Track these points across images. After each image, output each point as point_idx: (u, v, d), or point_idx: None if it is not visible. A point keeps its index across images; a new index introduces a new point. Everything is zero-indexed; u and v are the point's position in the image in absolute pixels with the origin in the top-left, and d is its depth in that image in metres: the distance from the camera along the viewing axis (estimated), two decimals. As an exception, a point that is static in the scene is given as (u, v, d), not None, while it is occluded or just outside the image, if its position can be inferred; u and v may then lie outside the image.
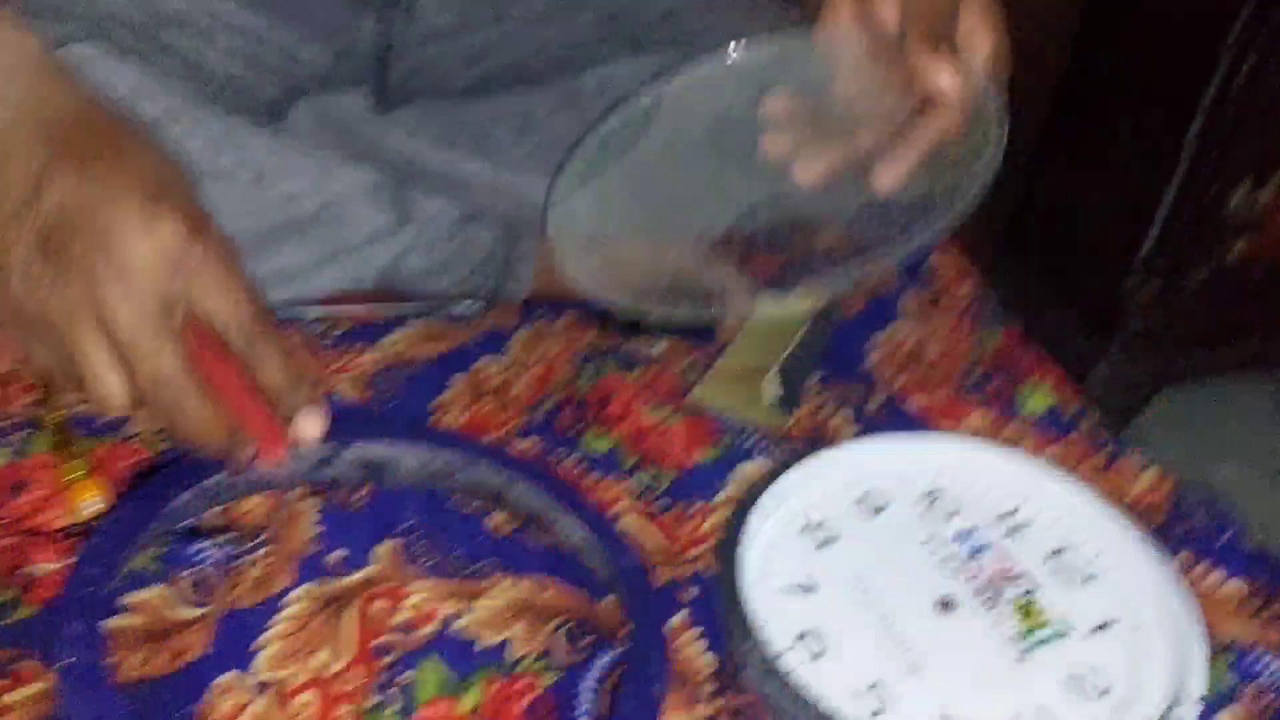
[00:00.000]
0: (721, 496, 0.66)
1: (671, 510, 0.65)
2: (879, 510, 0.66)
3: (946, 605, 0.61)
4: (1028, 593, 0.62)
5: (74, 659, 0.44)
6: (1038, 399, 0.77)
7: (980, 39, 0.61)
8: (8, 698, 0.49)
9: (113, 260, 0.51)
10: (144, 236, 0.51)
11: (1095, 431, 0.75)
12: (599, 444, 0.69)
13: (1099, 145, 1.52)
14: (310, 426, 0.55)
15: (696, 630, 0.58)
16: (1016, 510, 0.67)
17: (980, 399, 0.77)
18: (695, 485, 0.67)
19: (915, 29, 0.60)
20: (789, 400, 0.73)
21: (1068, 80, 1.52)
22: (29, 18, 0.59)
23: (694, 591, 0.60)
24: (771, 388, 0.72)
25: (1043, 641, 0.60)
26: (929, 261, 0.89)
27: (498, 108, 0.81)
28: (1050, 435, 0.75)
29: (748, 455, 0.69)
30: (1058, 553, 0.65)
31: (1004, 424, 0.75)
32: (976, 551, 0.64)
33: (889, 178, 0.62)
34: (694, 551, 0.63)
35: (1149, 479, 0.72)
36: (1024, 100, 1.51)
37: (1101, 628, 0.61)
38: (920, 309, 0.85)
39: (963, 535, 0.65)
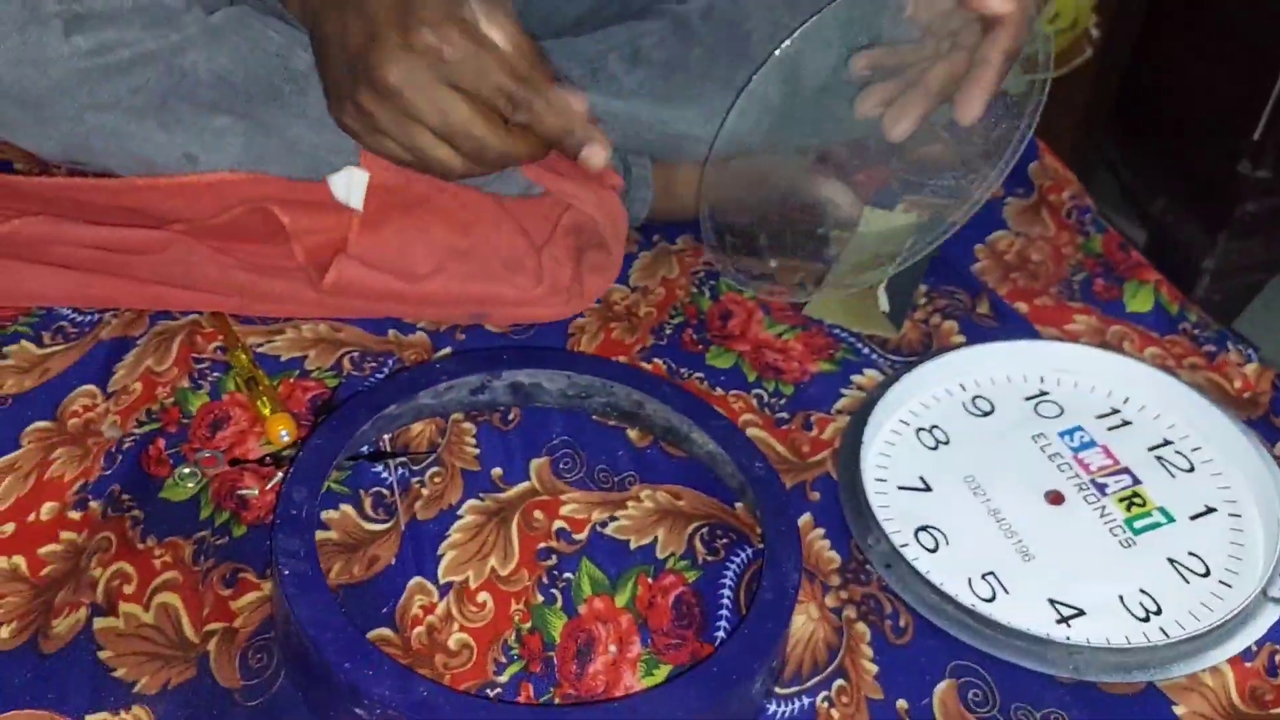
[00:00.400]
0: (839, 405, 0.72)
1: (793, 420, 0.71)
2: (987, 413, 0.71)
3: (1054, 498, 0.66)
4: (1131, 484, 0.67)
5: (294, 568, 0.52)
6: (1140, 300, 0.80)
7: None
8: (234, 604, 0.57)
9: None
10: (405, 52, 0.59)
11: (1198, 329, 0.78)
12: (721, 360, 0.74)
13: (1210, 24, 1.49)
14: (598, 156, 0.63)
15: (820, 530, 0.64)
16: (1120, 408, 0.71)
17: (1084, 302, 0.80)
18: (814, 396, 0.72)
19: None
20: (898, 311, 0.77)
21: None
22: None
23: (816, 495, 0.66)
24: (881, 300, 0.77)
25: (1145, 529, 0.64)
26: (1029, 169, 0.91)
27: (607, 39, 0.85)
28: (1153, 334, 0.78)
29: (862, 365, 0.74)
30: (1160, 447, 0.69)
31: (1108, 325, 0.78)
32: (1082, 448, 0.69)
33: (971, 110, 0.67)
34: (815, 457, 0.68)
35: (1250, 372, 0.75)
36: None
37: (1201, 515, 0.65)
38: (1022, 216, 0.87)
39: (1069, 433, 0.70)
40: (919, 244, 0.82)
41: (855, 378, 0.73)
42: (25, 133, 0.69)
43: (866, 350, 0.76)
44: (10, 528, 0.59)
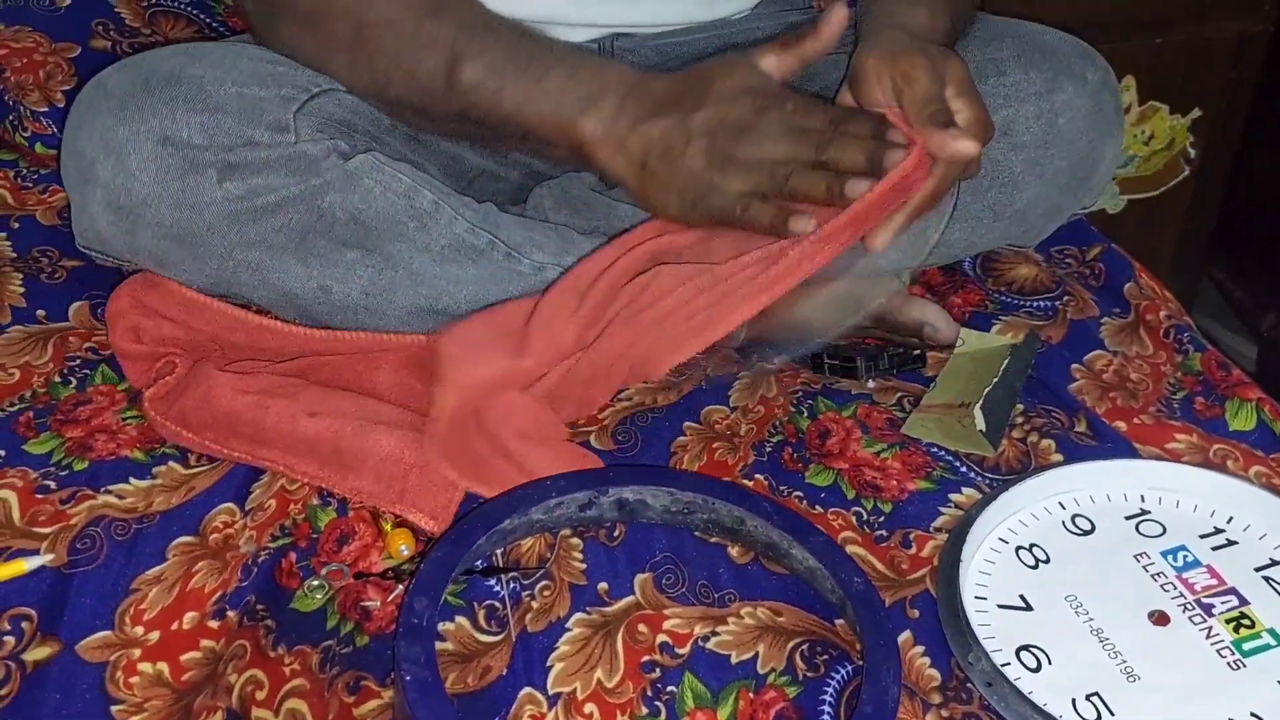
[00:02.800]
0: (938, 523, 0.73)
1: (891, 537, 0.72)
2: (1087, 532, 0.72)
3: (1159, 619, 0.66)
4: (1238, 605, 0.66)
5: (415, 674, 0.55)
6: (1243, 418, 0.80)
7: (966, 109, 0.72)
8: (357, 710, 0.60)
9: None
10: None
11: (1304, 447, 0.78)
12: (821, 478, 0.77)
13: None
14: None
15: (920, 648, 0.65)
16: (1224, 527, 0.71)
17: (1184, 421, 0.80)
18: (913, 514, 0.74)
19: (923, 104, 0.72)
20: (995, 430, 0.79)
21: (1274, 78, 1.50)
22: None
23: (916, 613, 0.67)
24: (978, 419, 0.78)
25: (1254, 651, 0.64)
26: (1125, 288, 0.92)
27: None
28: (1258, 453, 0.78)
29: (960, 484, 0.76)
30: (1267, 567, 0.69)
31: (1210, 444, 0.78)
32: (1186, 568, 0.69)
33: (879, 243, 0.73)
34: (914, 575, 0.70)
35: (1360, 491, 0.74)
36: (1231, 98, 1.50)
37: (1313, 637, 0.64)
38: (1120, 335, 0.89)
39: (1171, 552, 0.70)
40: (1016, 362, 0.82)
41: (954, 496, 0.75)
42: (180, 267, 0.77)
43: (964, 469, 0.77)
44: (155, 636, 0.64)
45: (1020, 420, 0.81)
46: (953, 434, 0.79)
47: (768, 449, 0.79)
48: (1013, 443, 0.79)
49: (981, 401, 0.77)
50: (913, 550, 0.71)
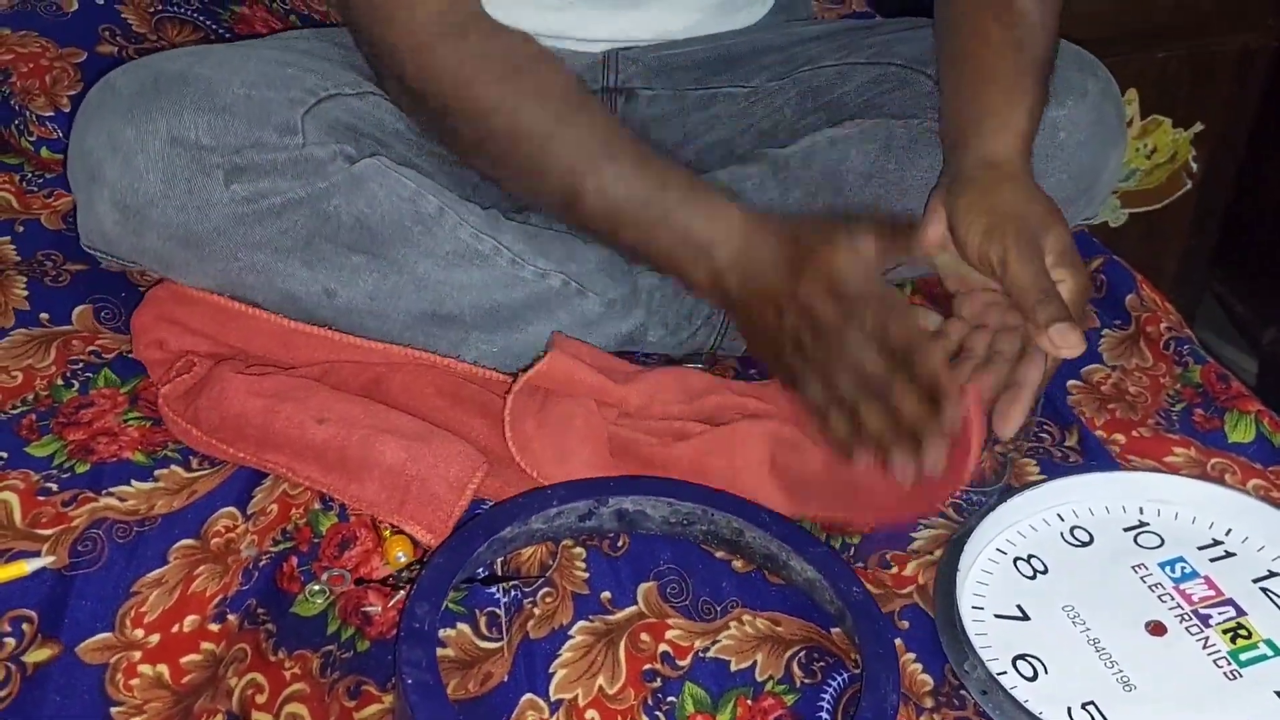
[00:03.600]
0: (914, 546, 0.72)
1: (869, 563, 0.72)
2: (1086, 543, 0.72)
3: (1156, 629, 0.66)
4: (1236, 616, 0.66)
5: (417, 677, 0.55)
6: (1242, 430, 0.81)
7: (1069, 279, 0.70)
8: (357, 715, 0.61)
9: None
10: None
11: (1303, 460, 0.78)
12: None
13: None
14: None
15: (912, 654, 0.66)
16: (1223, 539, 0.72)
17: (1183, 434, 0.81)
18: (881, 539, 0.73)
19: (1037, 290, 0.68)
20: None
21: (1276, 92, 1.51)
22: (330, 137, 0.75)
23: (905, 624, 0.68)
24: None
25: (1251, 662, 0.64)
26: (1127, 300, 0.93)
27: (709, 182, 0.90)
28: (1256, 465, 0.78)
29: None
30: (1265, 579, 0.69)
31: (1208, 457, 0.79)
32: (1184, 579, 0.69)
33: (1009, 426, 0.70)
34: (902, 590, 0.70)
35: (1359, 505, 0.74)
36: (1233, 112, 1.50)
37: (1311, 649, 0.65)
38: (1119, 348, 0.89)
39: (1169, 564, 0.70)
40: None
41: (923, 522, 0.74)
42: (185, 269, 0.77)
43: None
44: (156, 638, 0.64)
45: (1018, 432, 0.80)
46: None
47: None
48: (992, 455, 0.78)
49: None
50: (894, 570, 0.71)
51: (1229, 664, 0.64)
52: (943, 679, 0.64)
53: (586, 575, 0.69)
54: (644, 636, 0.65)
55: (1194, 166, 1.52)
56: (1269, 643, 0.65)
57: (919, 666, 0.65)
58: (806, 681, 0.63)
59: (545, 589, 0.68)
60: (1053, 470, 0.77)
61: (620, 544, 0.71)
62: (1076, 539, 0.72)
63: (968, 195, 0.73)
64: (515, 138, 0.75)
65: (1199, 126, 1.49)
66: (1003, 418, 0.69)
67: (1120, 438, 0.80)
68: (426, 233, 0.77)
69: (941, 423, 0.66)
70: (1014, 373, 0.71)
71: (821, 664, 0.64)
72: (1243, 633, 0.65)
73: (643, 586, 0.68)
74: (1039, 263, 0.69)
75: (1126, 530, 0.72)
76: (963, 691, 0.63)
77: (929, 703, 0.63)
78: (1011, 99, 0.76)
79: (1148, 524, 0.73)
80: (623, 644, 0.65)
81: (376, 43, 0.77)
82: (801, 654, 0.65)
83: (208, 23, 1.06)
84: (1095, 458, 0.79)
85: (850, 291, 0.69)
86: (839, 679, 0.63)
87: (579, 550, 0.70)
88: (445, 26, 0.75)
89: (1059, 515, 0.74)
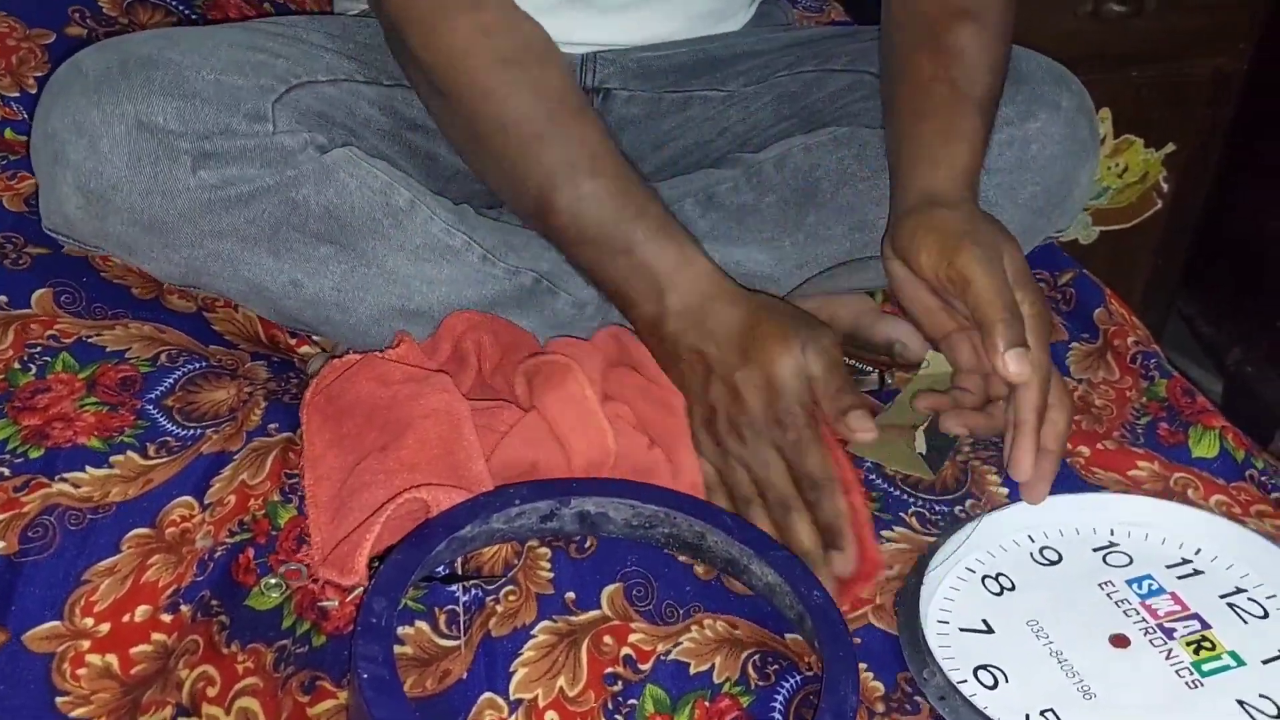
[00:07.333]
0: (887, 550, 0.72)
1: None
2: (1054, 562, 0.72)
3: (1119, 641, 0.66)
4: (1200, 629, 0.66)
5: (372, 672, 0.54)
6: (1205, 445, 0.81)
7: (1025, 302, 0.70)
8: (311, 710, 0.59)
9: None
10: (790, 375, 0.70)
11: (1265, 475, 0.78)
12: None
13: (1283, 177, 1.52)
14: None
15: (865, 665, 0.65)
16: (1191, 558, 0.72)
17: (1147, 448, 0.81)
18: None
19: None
20: (938, 454, 0.78)
21: (1247, 116, 1.53)
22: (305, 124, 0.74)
23: (859, 641, 0.67)
24: (919, 442, 0.77)
25: (1214, 672, 0.64)
26: (1095, 314, 0.93)
27: (684, 184, 0.90)
28: (1219, 481, 0.78)
29: (902, 509, 0.75)
30: (1232, 595, 0.69)
31: (1171, 472, 0.79)
32: (1150, 595, 0.69)
33: (1024, 470, 0.70)
34: (854, 614, 0.69)
35: (1321, 522, 0.75)
36: (1206, 135, 1.52)
37: (1275, 659, 0.65)
38: (1086, 361, 0.89)
39: (1137, 581, 0.70)
40: None
41: (884, 532, 0.74)
42: (149, 256, 0.75)
43: (898, 493, 0.76)
44: (106, 628, 0.63)
45: (967, 446, 0.80)
46: (895, 455, 0.78)
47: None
48: (954, 464, 0.78)
49: (926, 424, 0.77)
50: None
51: (1191, 674, 0.64)
52: (895, 685, 0.64)
53: (551, 575, 0.68)
54: (607, 639, 0.64)
55: (1164, 187, 1.53)
56: (1233, 654, 0.65)
57: (870, 675, 0.65)
58: (760, 683, 0.63)
59: (509, 587, 0.67)
60: (1013, 481, 0.77)
61: (587, 545, 0.70)
62: (1045, 558, 0.72)
63: (913, 219, 0.73)
64: (503, 126, 0.74)
65: (1171, 147, 1.50)
66: (1014, 460, 0.70)
67: (1085, 450, 0.80)
68: (397, 225, 0.77)
69: (833, 564, 0.68)
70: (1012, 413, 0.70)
71: (775, 666, 0.64)
72: (1206, 645, 0.65)
73: (608, 589, 0.67)
74: (1001, 277, 0.69)
75: (1096, 550, 0.72)
76: (916, 698, 0.63)
77: (880, 707, 0.63)
78: (949, 137, 0.75)
79: (1117, 544, 0.73)
80: (585, 645, 0.64)
81: (391, 5, 0.76)
82: (756, 656, 0.64)
83: (180, 7, 1.04)
84: (1065, 471, 0.78)
85: (784, 404, 0.70)
86: (791, 681, 0.63)
87: (544, 550, 0.69)
88: None
89: (1029, 536, 0.73)
